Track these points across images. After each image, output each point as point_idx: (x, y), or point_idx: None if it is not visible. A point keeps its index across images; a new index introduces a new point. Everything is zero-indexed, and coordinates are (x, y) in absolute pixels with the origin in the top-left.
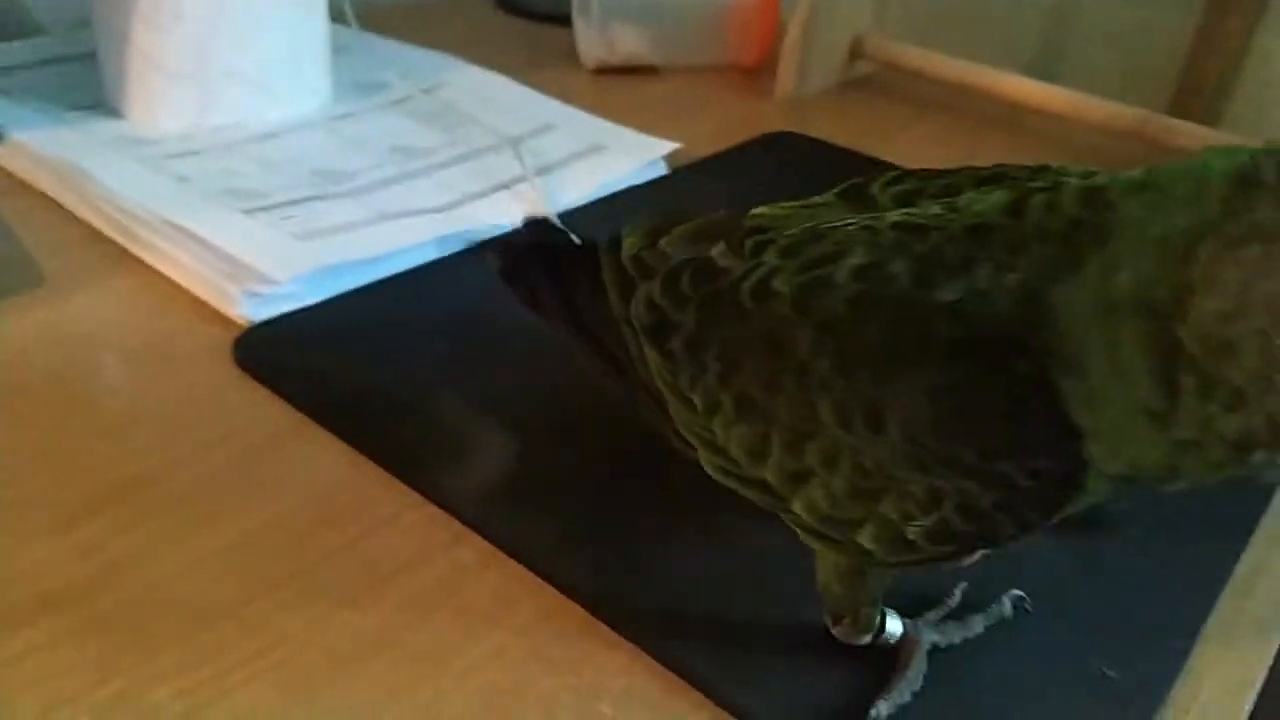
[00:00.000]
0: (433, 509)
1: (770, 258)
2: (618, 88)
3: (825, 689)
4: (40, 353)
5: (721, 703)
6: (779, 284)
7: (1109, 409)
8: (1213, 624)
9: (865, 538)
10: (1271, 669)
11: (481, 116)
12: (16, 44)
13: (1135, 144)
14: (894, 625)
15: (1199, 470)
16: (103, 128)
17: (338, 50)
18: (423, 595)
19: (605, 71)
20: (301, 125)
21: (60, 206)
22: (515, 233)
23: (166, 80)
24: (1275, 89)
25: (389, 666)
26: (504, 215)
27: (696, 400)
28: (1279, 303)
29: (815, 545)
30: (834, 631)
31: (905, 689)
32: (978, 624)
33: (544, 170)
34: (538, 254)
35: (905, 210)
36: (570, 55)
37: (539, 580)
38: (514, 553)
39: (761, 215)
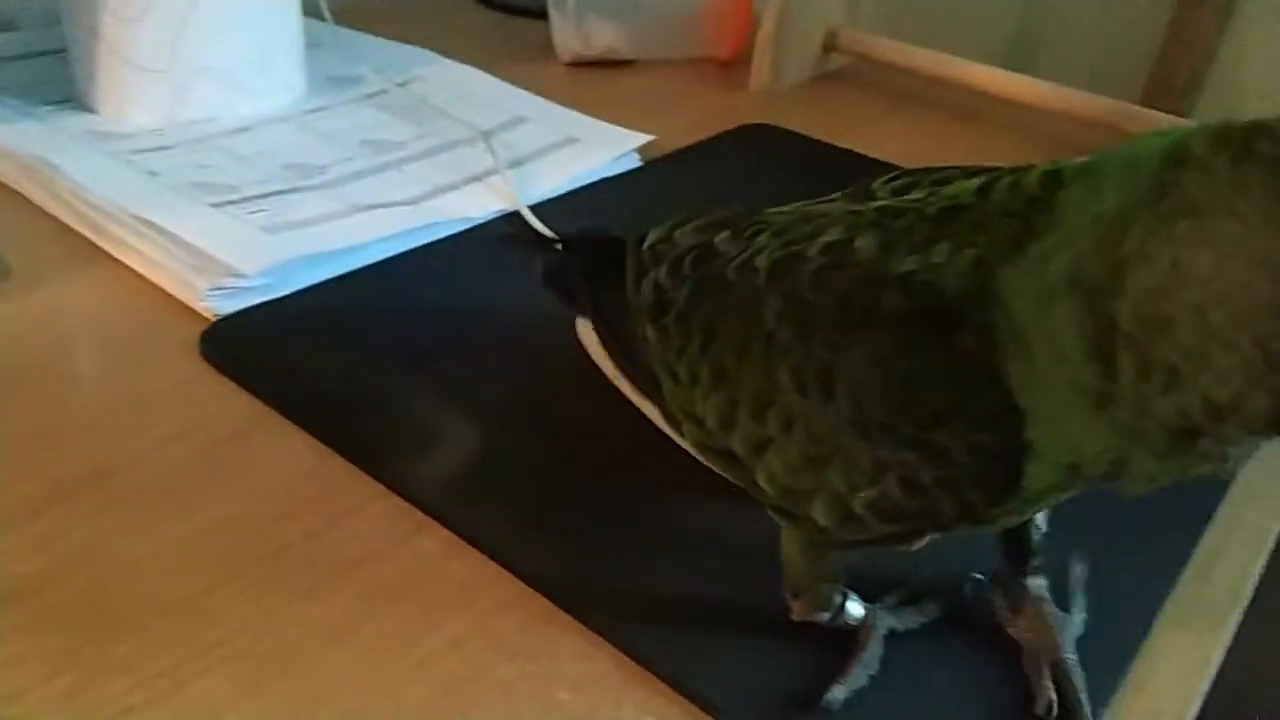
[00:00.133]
0: (396, 500)
1: (762, 240)
2: (593, 81)
3: (783, 674)
4: (5, 346)
5: (679, 687)
6: (760, 260)
7: (1050, 390)
8: (1170, 607)
9: (818, 512)
10: (1229, 650)
11: (454, 109)
12: None
13: (1105, 134)
14: (853, 608)
15: (1144, 461)
16: (74, 123)
17: (312, 45)
18: (384, 585)
19: (581, 65)
20: (274, 120)
21: (29, 201)
22: (554, 242)
23: (137, 75)
24: (1245, 83)
25: (347, 656)
26: (475, 207)
27: (682, 372)
28: (1212, 277)
29: (779, 521)
30: (791, 607)
31: (861, 673)
32: (936, 609)
33: (516, 163)
34: (576, 256)
35: (893, 197)
36: (546, 49)
37: (500, 569)
38: (476, 542)
39: (773, 212)
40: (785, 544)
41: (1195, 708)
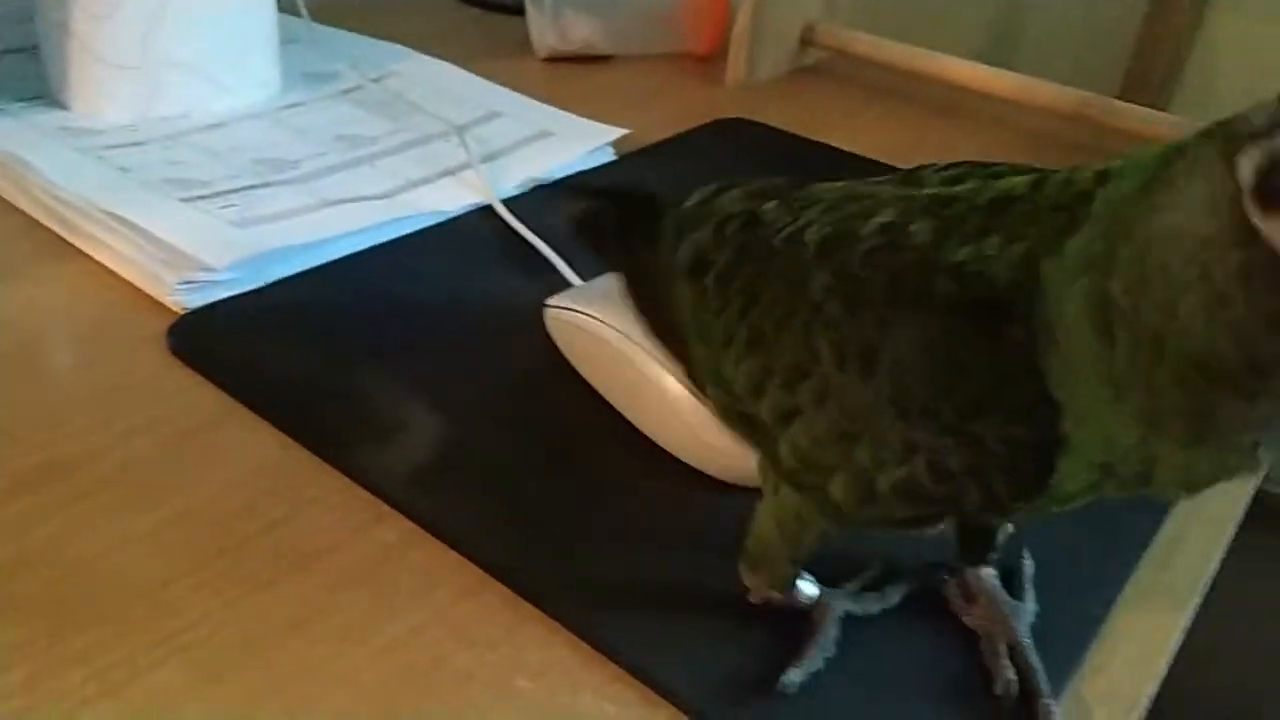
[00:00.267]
0: (358, 491)
1: (811, 214)
2: (569, 76)
3: (741, 659)
4: None
5: (638, 673)
6: (810, 234)
7: (1079, 382)
8: (1130, 591)
9: (837, 488)
10: (1186, 635)
11: (429, 105)
12: None
13: (1079, 127)
14: (808, 589)
15: (1173, 453)
16: (46, 119)
17: (288, 41)
18: (343, 575)
19: (558, 60)
20: (248, 116)
21: None
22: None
23: (108, 71)
24: (1221, 75)
25: (305, 645)
26: (447, 201)
27: (716, 334)
28: (1175, 233)
29: (788, 493)
30: (746, 582)
31: (818, 656)
32: (895, 595)
33: (490, 157)
34: (608, 203)
35: (943, 186)
36: (524, 45)
37: (461, 559)
38: (437, 532)
39: (820, 187)
40: (762, 517)
41: (1152, 689)
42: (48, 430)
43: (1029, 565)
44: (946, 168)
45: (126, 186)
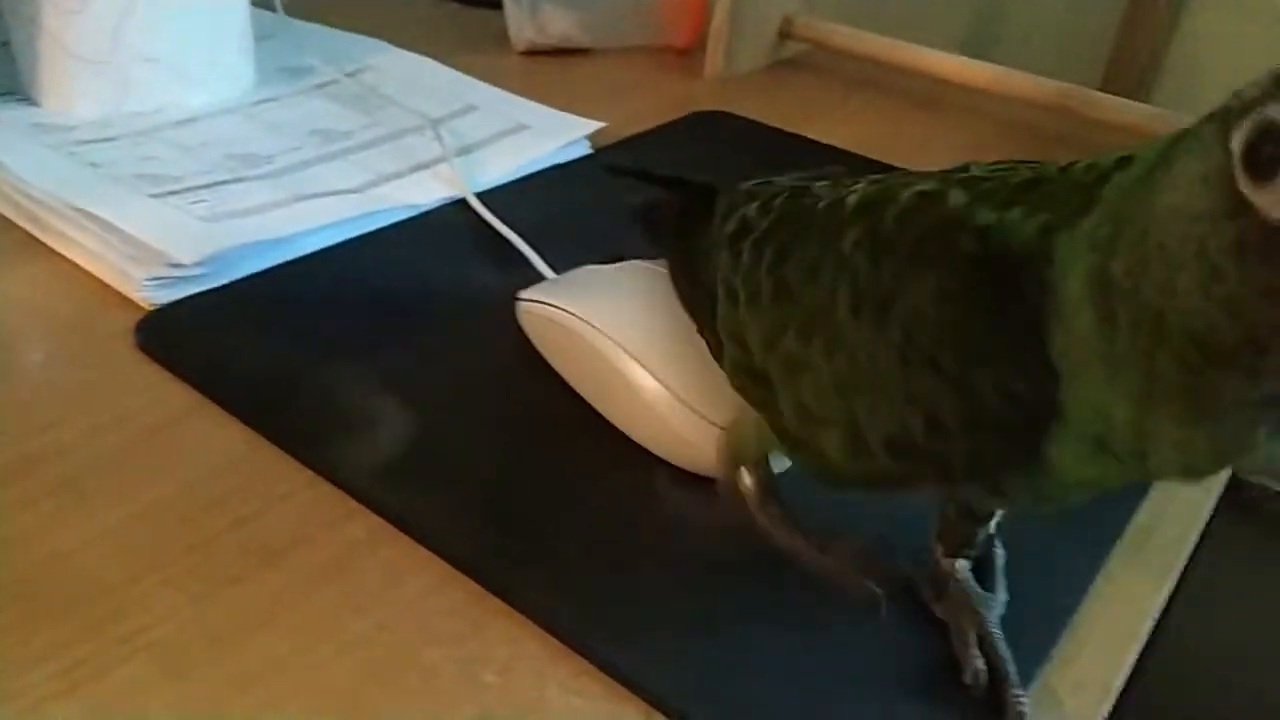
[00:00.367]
0: (326, 486)
1: (858, 187)
2: (547, 70)
3: (710, 652)
4: None
5: (606, 667)
6: (850, 200)
7: (1078, 354)
8: (1101, 581)
9: (830, 441)
10: (1157, 624)
11: (403, 99)
12: None
13: (1060, 118)
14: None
15: (1169, 430)
16: (16, 115)
17: (263, 36)
18: (310, 572)
19: (536, 54)
20: (221, 111)
21: None
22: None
23: (79, 66)
24: (1203, 66)
25: (271, 641)
26: (421, 195)
27: (743, 290)
28: (1172, 211)
29: (784, 453)
30: (743, 487)
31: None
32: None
33: (464, 150)
34: (670, 192)
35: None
36: (501, 38)
37: (430, 554)
38: (405, 528)
39: (870, 176)
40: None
41: (1121, 679)
42: (14, 427)
43: (1000, 556)
44: (993, 164)
45: (96, 183)
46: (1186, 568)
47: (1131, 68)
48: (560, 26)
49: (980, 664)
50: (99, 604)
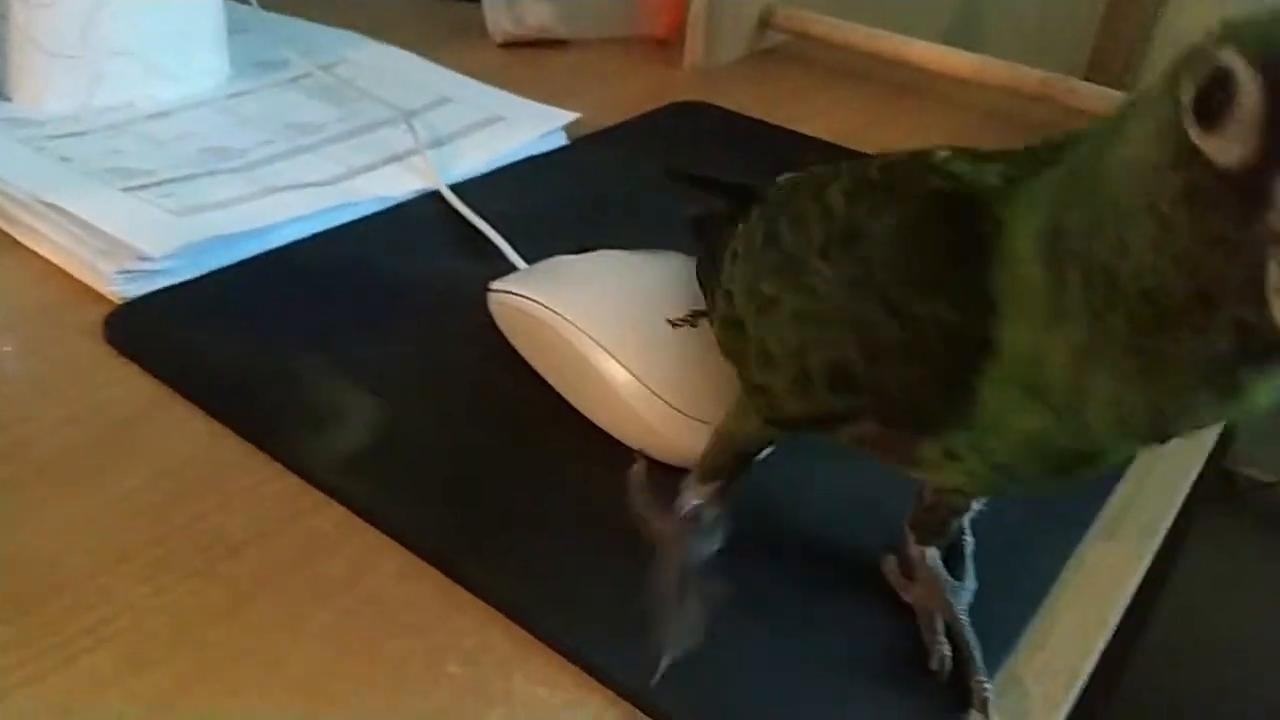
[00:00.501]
0: (293, 479)
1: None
2: (525, 61)
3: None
4: None
5: (572, 657)
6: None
7: (1020, 302)
8: (1072, 569)
9: (779, 376)
10: (1143, 610)
11: (378, 91)
12: None
13: (1042, 107)
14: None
15: (1106, 384)
16: None
17: (238, 30)
18: (275, 563)
19: (514, 45)
20: (195, 104)
21: None
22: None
23: (50, 60)
24: None
25: (235, 632)
26: (394, 187)
27: (740, 247)
28: (1124, 165)
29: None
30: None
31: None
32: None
33: (439, 142)
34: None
35: None
36: (479, 30)
37: (396, 546)
38: (372, 519)
39: None
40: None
41: (1090, 665)
42: None
43: (969, 543)
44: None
45: (66, 177)
46: (1167, 557)
47: (1115, 57)
48: (538, 18)
49: (946, 650)
50: (62, 597)
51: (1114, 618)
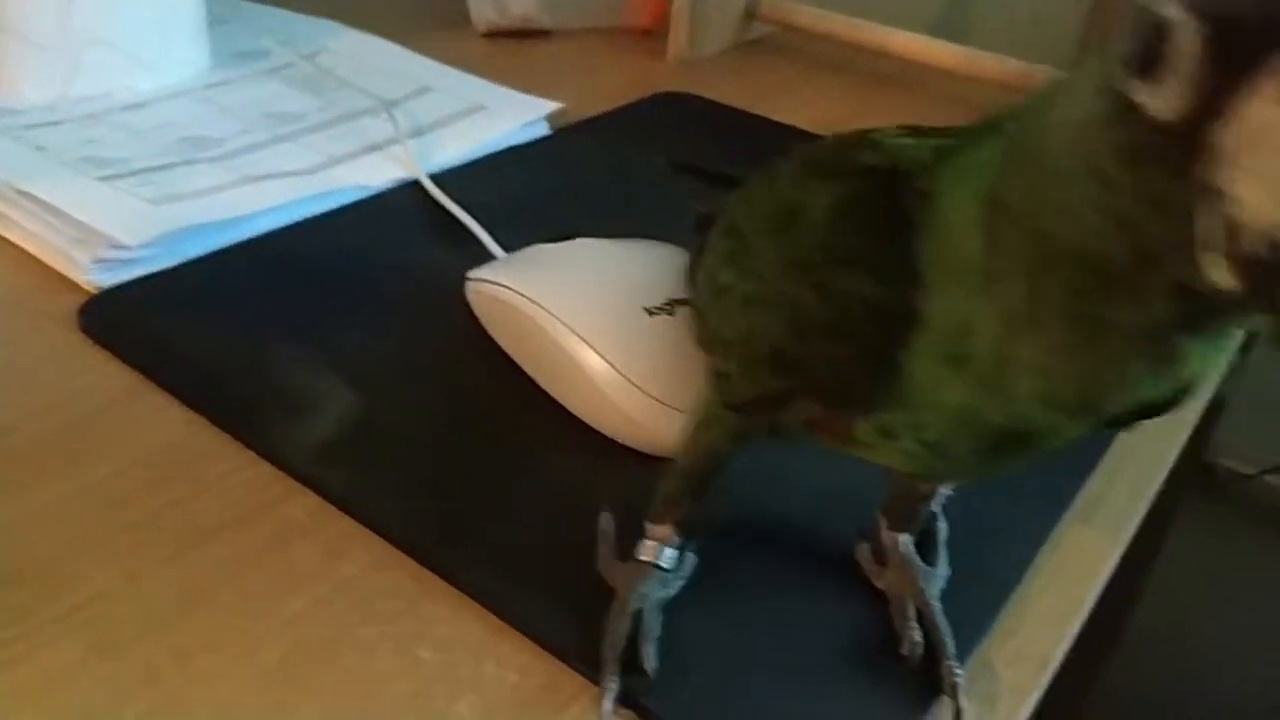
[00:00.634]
0: (266, 467)
1: None
2: (508, 51)
3: None
4: None
5: (543, 642)
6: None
7: (948, 270)
8: (1049, 550)
9: (729, 361)
10: (1111, 600)
11: (359, 80)
12: None
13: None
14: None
15: (1034, 353)
16: None
17: (218, 20)
18: (248, 551)
19: (498, 35)
20: (174, 94)
21: None
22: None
23: (27, 49)
24: None
25: (206, 619)
26: (373, 176)
27: (710, 238)
28: (1062, 126)
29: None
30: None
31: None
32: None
33: (419, 132)
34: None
35: None
36: (463, 20)
37: (369, 534)
38: (346, 508)
39: None
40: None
41: (1061, 651)
42: None
43: (943, 529)
44: None
45: (42, 166)
46: (1148, 548)
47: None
48: (522, 7)
49: (917, 636)
50: (31, 584)
51: (1087, 605)
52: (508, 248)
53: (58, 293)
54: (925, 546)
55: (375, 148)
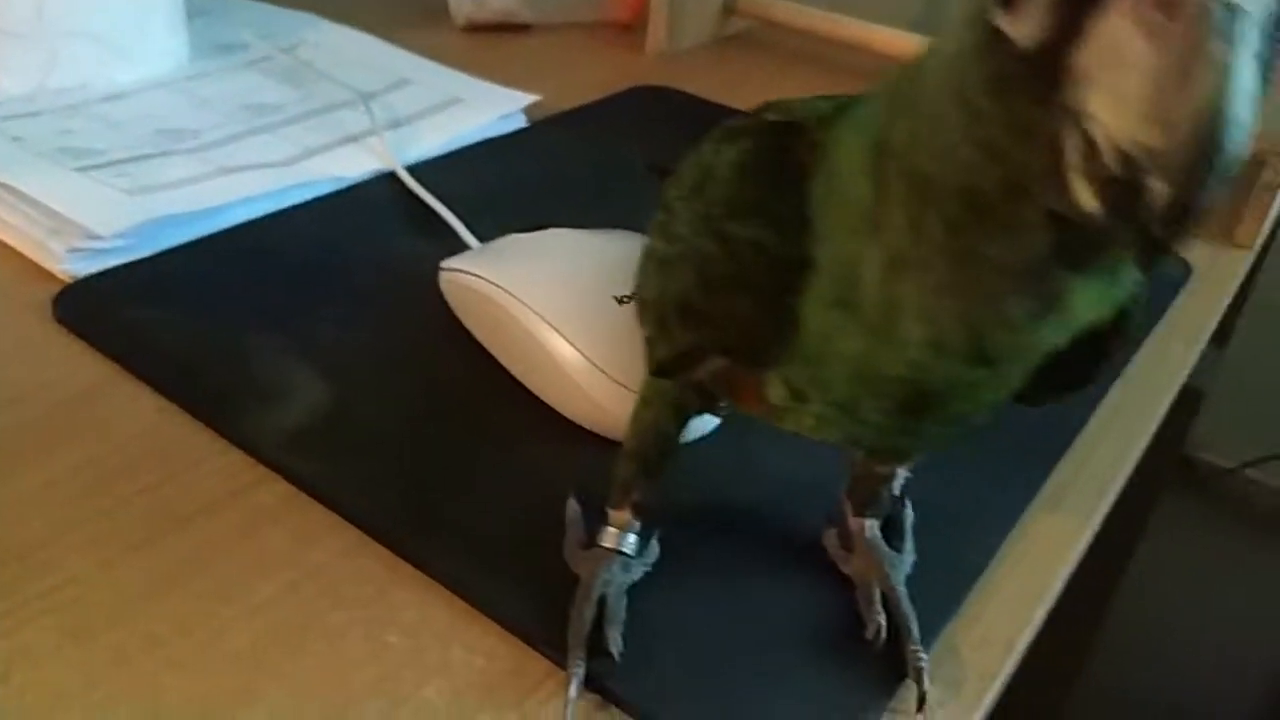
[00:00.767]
0: (238, 454)
1: None
2: (487, 45)
3: None
4: None
5: (511, 627)
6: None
7: (837, 214)
8: (1016, 536)
9: (649, 321)
10: (1079, 589)
11: (337, 73)
12: None
13: None
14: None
15: (919, 295)
16: None
17: (198, 12)
18: (219, 537)
19: (476, 29)
20: (152, 86)
21: None
22: None
23: (3, 40)
24: None
25: (177, 604)
26: (349, 168)
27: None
28: (936, 66)
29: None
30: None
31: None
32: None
33: (396, 124)
34: None
35: None
36: (442, 14)
37: (339, 521)
38: (316, 494)
39: None
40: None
41: (1027, 637)
42: None
43: (910, 515)
44: None
45: (17, 156)
46: (1126, 541)
47: None
48: (501, 1)
49: (881, 620)
50: (7, 567)
51: (1053, 591)
52: (483, 239)
53: (33, 282)
54: (891, 532)
55: (352, 139)
